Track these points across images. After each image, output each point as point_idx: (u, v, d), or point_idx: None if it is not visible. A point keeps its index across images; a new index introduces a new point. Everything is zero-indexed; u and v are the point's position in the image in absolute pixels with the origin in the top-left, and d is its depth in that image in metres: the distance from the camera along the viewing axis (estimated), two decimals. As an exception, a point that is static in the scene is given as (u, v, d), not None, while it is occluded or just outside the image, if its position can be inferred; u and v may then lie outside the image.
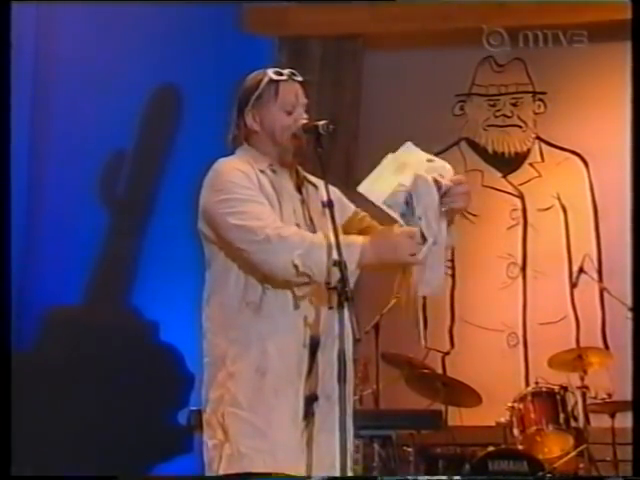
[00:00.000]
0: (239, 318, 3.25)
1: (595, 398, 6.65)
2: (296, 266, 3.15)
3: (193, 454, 6.62)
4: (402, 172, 3.31)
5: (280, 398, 3.20)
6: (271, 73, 3.40)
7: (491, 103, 7.78)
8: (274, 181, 3.35)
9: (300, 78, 3.43)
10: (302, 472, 3.19)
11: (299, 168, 3.45)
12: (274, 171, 3.37)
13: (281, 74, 3.40)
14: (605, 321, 7.27)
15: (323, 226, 3.31)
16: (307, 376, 3.23)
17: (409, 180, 3.29)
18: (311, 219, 3.36)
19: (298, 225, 3.31)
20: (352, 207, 3.56)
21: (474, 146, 7.76)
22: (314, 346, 3.24)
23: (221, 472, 3.21)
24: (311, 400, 3.23)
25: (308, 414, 3.23)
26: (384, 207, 3.24)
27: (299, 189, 3.41)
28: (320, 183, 3.41)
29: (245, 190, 3.26)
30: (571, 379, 6.56)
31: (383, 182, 3.28)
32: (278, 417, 3.20)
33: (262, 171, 3.34)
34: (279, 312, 3.24)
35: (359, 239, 3.22)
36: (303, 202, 3.39)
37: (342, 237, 3.16)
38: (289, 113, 3.37)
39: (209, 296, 3.36)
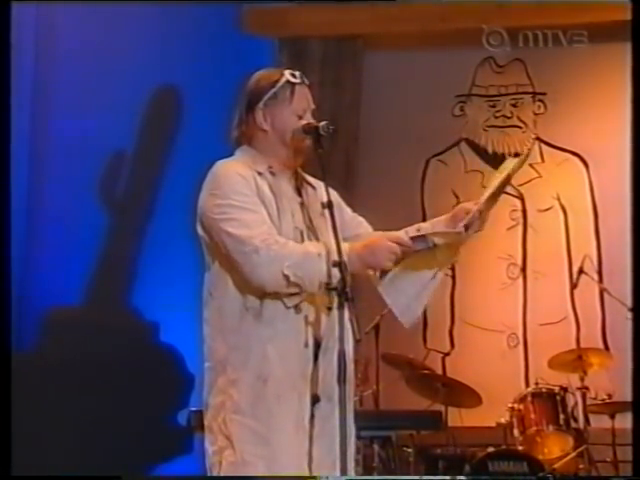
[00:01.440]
0: (239, 324, 3.24)
1: (595, 399, 6.66)
2: (286, 276, 3.15)
3: (193, 455, 6.62)
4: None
5: (282, 403, 3.20)
6: (288, 75, 3.39)
7: (491, 104, 7.78)
8: (272, 184, 3.33)
9: (308, 82, 3.44)
10: (304, 475, 3.19)
11: (298, 169, 3.45)
12: (273, 174, 3.35)
13: (296, 76, 3.39)
14: (605, 322, 7.27)
15: (322, 227, 3.31)
16: (310, 378, 3.23)
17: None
18: (310, 221, 3.35)
19: (297, 228, 3.31)
20: (349, 211, 3.55)
21: (474, 147, 7.76)
22: (316, 348, 3.24)
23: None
24: (313, 402, 3.23)
25: (310, 416, 3.23)
26: (481, 206, 3.33)
27: (298, 191, 3.41)
28: (319, 184, 3.41)
29: (241, 197, 3.25)
30: (571, 380, 6.56)
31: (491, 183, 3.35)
32: (281, 423, 3.20)
33: (260, 174, 3.32)
34: (280, 317, 3.23)
35: (345, 247, 3.21)
36: (302, 204, 3.38)
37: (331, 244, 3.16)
38: (300, 117, 3.36)
39: (207, 299, 3.35)
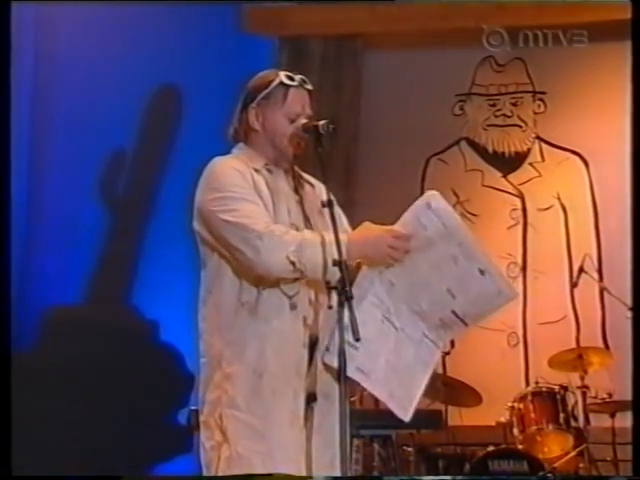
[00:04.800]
0: (235, 319, 3.25)
1: (595, 398, 6.65)
2: (293, 262, 3.15)
3: (193, 454, 6.62)
4: None
5: (278, 399, 3.20)
6: (283, 76, 3.37)
7: (491, 103, 7.78)
8: (269, 181, 3.34)
9: (310, 87, 3.41)
10: (301, 472, 3.19)
11: (295, 167, 3.45)
12: (269, 171, 3.36)
13: (293, 79, 3.37)
14: (605, 321, 7.27)
15: (320, 226, 3.31)
16: (306, 376, 3.24)
17: None
18: (307, 219, 3.35)
19: (293, 225, 3.31)
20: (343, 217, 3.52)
21: (474, 146, 7.76)
22: (312, 345, 3.25)
23: (220, 474, 3.21)
24: (310, 400, 3.24)
25: (307, 414, 3.23)
26: None
27: (295, 189, 3.41)
28: (317, 182, 3.42)
29: (239, 189, 3.25)
30: (571, 379, 6.57)
31: None
32: (276, 418, 3.20)
33: (257, 170, 3.33)
34: (275, 313, 3.23)
35: (344, 237, 3.21)
36: (299, 202, 3.38)
37: (331, 236, 3.16)
38: (292, 121, 3.35)
39: (205, 297, 3.35)
